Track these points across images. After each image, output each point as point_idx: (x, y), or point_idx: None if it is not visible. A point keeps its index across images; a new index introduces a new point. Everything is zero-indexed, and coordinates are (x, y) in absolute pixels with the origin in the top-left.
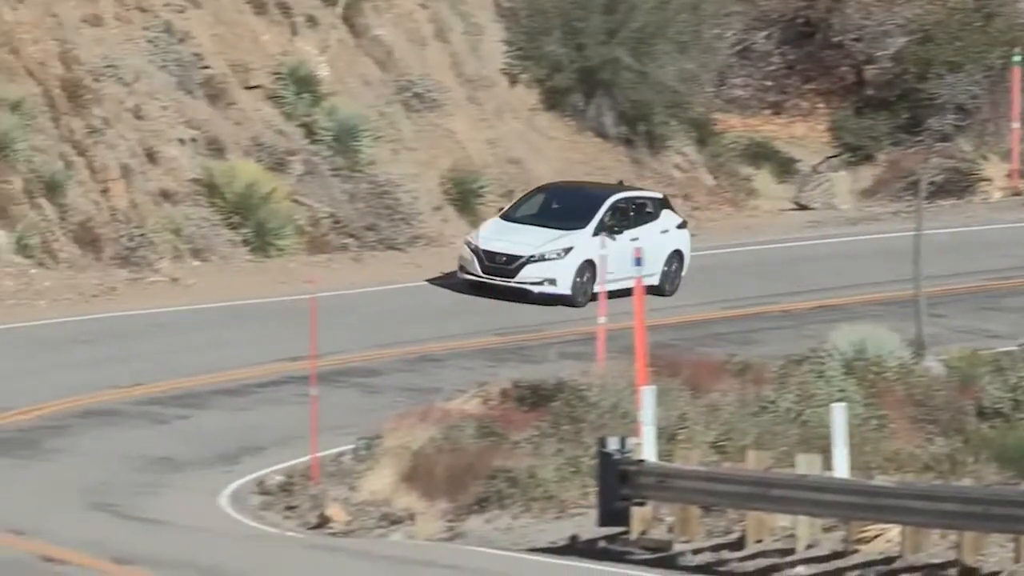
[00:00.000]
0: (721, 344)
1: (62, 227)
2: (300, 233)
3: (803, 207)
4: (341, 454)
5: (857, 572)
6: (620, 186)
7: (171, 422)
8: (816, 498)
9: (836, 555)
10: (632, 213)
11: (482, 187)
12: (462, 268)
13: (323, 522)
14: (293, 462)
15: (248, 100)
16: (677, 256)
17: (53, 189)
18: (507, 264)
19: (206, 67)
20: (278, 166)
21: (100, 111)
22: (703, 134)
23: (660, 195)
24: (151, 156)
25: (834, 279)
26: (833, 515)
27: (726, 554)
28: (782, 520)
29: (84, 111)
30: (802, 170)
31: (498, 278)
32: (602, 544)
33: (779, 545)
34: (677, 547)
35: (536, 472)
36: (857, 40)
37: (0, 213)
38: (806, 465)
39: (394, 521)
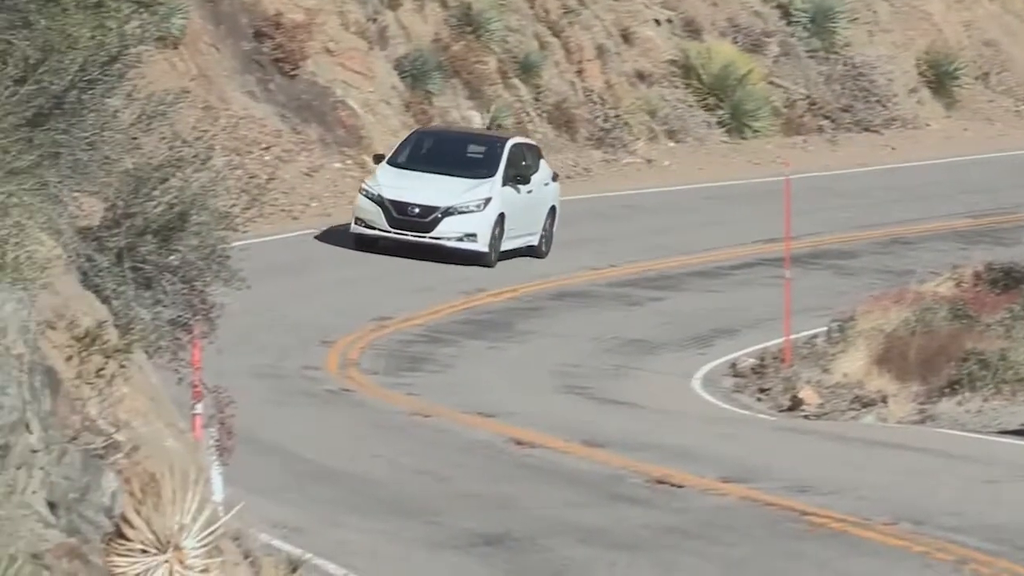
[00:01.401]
0: None
1: (536, 108)
2: (775, 115)
3: None
4: (814, 336)
5: None
6: (494, 130)
7: (644, 304)
8: None
9: None
10: (523, 162)
11: (957, 70)
12: (359, 220)
13: (795, 404)
14: (766, 344)
15: None
16: (552, 213)
17: (527, 70)
18: (422, 217)
19: None
20: (754, 48)
21: None
22: None
23: (536, 143)
24: (626, 37)
25: None
26: None
27: None
28: None
29: None
30: None
31: (410, 233)
32: None
33: None
34: None
35: (1007, 355)
36: None
37: (474, 93)
38: None
39: (866, 403)
